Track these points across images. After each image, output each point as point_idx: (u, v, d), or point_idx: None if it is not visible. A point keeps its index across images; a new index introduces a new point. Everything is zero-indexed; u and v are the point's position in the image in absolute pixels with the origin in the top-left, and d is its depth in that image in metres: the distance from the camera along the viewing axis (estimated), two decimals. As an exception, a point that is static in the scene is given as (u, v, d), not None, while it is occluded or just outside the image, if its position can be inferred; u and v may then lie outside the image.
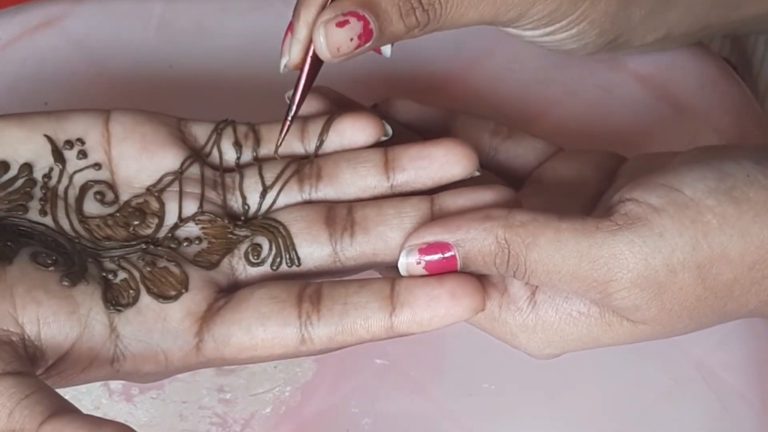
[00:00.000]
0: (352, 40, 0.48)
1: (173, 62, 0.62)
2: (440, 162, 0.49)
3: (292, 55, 0.50)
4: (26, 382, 0.42)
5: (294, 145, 0.51)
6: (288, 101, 0.52)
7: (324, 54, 0.48)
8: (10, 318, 0.44)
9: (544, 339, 0.49)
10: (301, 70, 0.50)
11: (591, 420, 0.55)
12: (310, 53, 0.50)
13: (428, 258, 0.47)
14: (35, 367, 0.44)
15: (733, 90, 0.61)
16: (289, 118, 0.50)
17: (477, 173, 0.49)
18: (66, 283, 0.46)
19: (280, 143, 0.51)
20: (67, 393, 0.45)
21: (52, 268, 0.46)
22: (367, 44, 0.48)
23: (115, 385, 0.54)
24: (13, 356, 0.43)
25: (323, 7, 0.48)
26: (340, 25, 0.48)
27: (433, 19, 0.49)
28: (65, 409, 0.41)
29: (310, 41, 0.49)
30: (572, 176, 0.53)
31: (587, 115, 0.60)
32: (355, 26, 0.48)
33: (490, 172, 0.54)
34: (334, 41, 0.48)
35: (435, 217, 0.48)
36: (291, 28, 0.50)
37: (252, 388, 0.55)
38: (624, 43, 0.56)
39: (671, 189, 0.46)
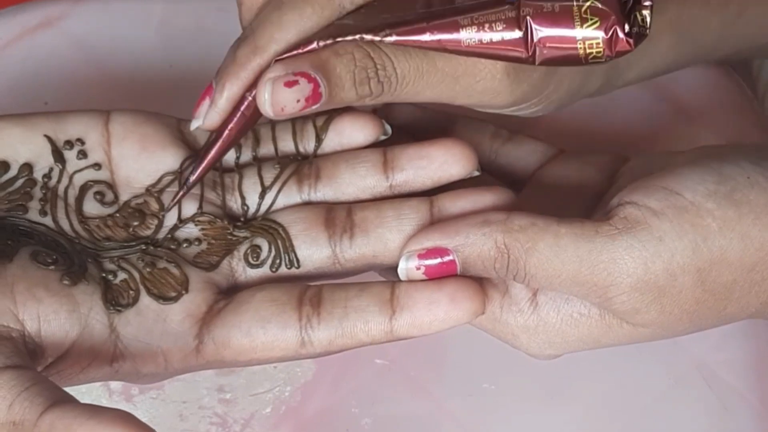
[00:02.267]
0: (298, 101, 0.45)
1: (173, 62, 0.62)
2: (439, 161, 0.49)
3: (206, 120, 0.48)
4: (26, 375, 0.42)
5: (293, 145, 0.51)
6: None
7: (266, 111, 0.46)
8: (10, 314, 0.44)
9: (545, 340, 0.48)
10: (218, 132, 0.48)
11: (591, 420, 0.55)
12: (232, 122, 0.47)
13: (427, 263, 0.47)
14: (35, 365, 0.44)
15: (733, 90, 0.61)
16: (188, 184, 0.48)
17: (477, 173, 0.49)
18: (67, 282, 0.46)
19: (173, 204, 0.49)
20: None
21: (52, 267, 0.46)
22: (314, 107, 0.46)
23: (115, 385, 0.54)
24: (13, 351, 0.43)
25: (248, 87, 0.46)
26: (289, 85, 0.45)
27: (387, 91, 0.47)
28: (65, 400, 0.41)
29: (230, 111, 0.47)
30: (573, 178, 0.53)
31: (588, 115, 0.60)
32: (304, 88, 0.45)
33: (489, 175, 0.54)
34: (279, 101, 0.45)
35: (434, 220, 0.48)
36: (210, 94, 0.47)
37: (252, 388, 0.55)
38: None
39: (671, 192, 0.46)
